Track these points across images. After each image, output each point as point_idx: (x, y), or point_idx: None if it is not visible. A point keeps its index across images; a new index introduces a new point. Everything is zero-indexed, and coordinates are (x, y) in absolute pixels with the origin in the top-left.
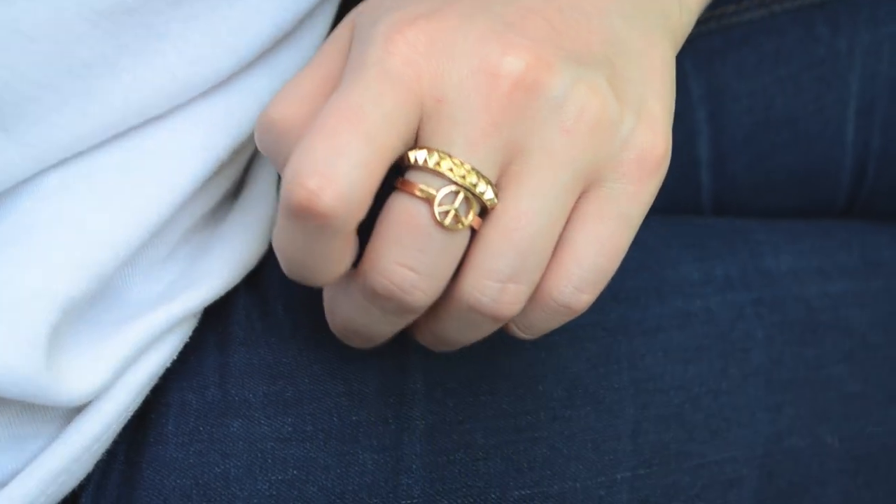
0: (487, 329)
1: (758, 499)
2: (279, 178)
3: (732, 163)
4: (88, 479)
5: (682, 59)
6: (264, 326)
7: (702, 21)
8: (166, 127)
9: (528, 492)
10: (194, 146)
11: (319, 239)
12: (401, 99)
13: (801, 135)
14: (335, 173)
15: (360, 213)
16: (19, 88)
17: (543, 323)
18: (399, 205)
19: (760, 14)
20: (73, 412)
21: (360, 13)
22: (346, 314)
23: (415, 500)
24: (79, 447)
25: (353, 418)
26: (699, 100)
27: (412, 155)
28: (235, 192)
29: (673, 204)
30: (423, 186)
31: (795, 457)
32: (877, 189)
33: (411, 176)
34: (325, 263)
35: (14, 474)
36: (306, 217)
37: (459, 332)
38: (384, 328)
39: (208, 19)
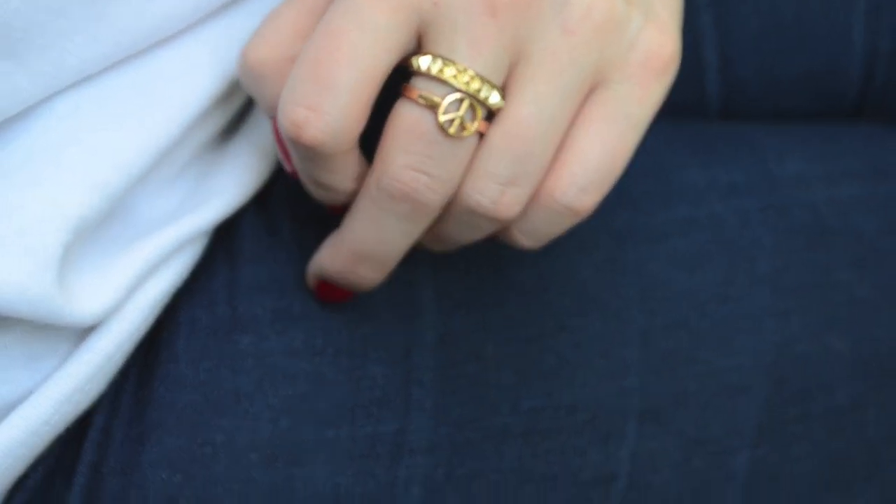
0: (487, 229)
1: (767, 405)
2: None
3: (739, 66)
4: (102, 398)
5: None
6: (271, 242)
7: None
8: (176, 48)
9: (539, 402)
10: (205, 66)
11: (316, 161)
12: (392, 12)
13: (808, 37)
14: (320, 104)
15: (353, 134)
16: (29, 15)
17: (547, 227)
18: (404, 112)
19: None
20: (87, 331)
21: None
22: (359, 232)
23: (426, 413)
24: (92, 366)
25: (362, 332)
26: (705, 4)
27: (415, 61)
28: (244, 111)
29: (679, 109)
30: (426, 94)
31: (804, 363)
32: (887, 90)
33: (416, 82)
34: (330, 178)
35: (28, 393)
36: (299, 147)
37: (460, 233)
38: (398, 240)
39: None
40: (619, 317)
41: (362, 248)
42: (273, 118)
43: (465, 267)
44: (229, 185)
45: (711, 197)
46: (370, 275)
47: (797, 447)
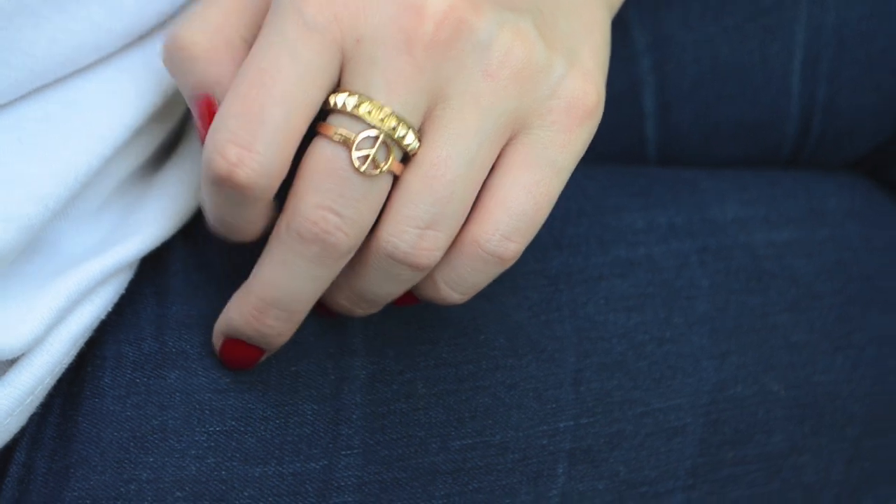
0: (407, 280)
1: (702, 447)
2: None
3: (678, 113)
4: (23, 432)
5: (626, 8)
6: (202, 278)
7: None
8: (93, 77)
9: (470, 441)
10: (123, 96)
11: (241, 204)
12: (318, 48)
13: (746, 85)
14: (252, 142)
15: (281, 175)
16: None
17: (472, 276)
18: (319, 149)
19: None
20: (6, 365)
21: None
22: (268, 276)
23: (355, 451)
24: (12, 400)
25: (293, 369)
26: (644, 49)
27: (332, 98)
28: (172, 143)
29: (617, 154)
30: (341, 130)
31: (741, 405)
32: (823, 139)
33: (332, 119)
34: (246, 222)
35: None
36: (227, 187)
37: (380, 285)
38: (307, 286)
39: None
40: (554, 358)
41: (271, 294)
42: (199, 105)
43: (392, 307)
44: (156, 218)
45: (650, 239)
46: (278, 325)
47: (733, 490)
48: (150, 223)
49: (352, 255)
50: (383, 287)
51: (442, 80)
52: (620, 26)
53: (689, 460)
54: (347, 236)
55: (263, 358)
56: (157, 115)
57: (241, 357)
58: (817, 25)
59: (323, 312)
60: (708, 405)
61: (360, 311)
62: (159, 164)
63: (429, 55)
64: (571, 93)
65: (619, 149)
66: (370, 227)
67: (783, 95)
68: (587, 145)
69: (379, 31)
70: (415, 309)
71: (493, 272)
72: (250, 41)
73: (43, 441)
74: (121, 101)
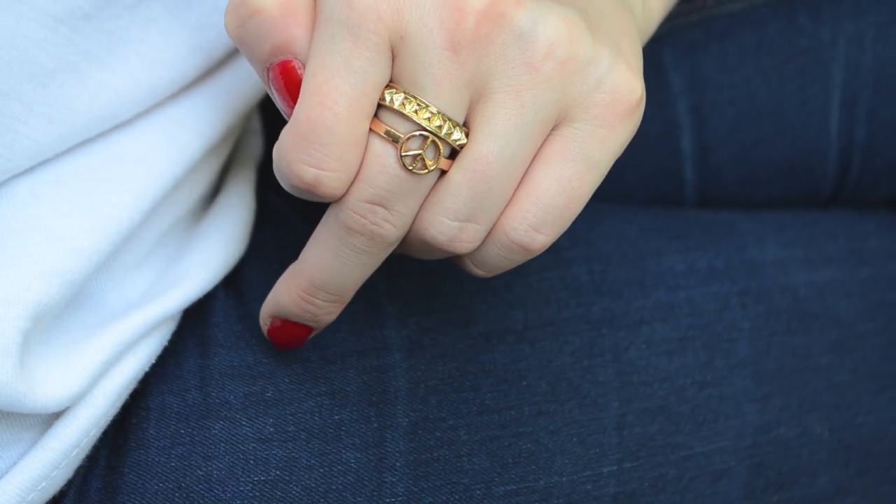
0: (441, 256)
1: (747, 490)
2: (257, 180)
3: (716, 155)
4: (69, 484)
5: (662, 51)
6: (244, 328)
7: (682, 13)
8: (134, 132)
9: (514, 487)
10: (163, 150)
11: (323, 199)
12: (370, 55)
13: (785, 127)
14: (326, 162)
15: (356, 171)
16: None
17: (498, 260)
18: (370, 145)
19: (741, 6)
20: (52, 418)
21: None
22: (317, 261)
23: (399, 498)
24: (58, 453)
25: (335, 417)
26: (681, 92)
27: (383, 93)
28: (212, 194)
29: (656, 197)
30: (389, 129)
31: (784, 447)
32: (862, 179)
33: (382, 115)
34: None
35: None
36: (309, 195)
37: (415, 254)
38: (355, 271)
39: (168, 22)
40: (597, 403)
41: (320, 277)
42: (278, 71)
43: (438, 352)
44: (198, 270)
45: (690, 282)
46: (327, 306)
47: None
48: (191, 275)
49: (398, 242)
50: (421, 256)
51: (485, 74)
52: (657, 69)
53: (734, 503)
54: (395, 228)
55: (311, 336)
56: (197, 168)
57: (291, 335)
58: (855, 66)
59: None
60: (751, 448)
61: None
62: (199, 215)
63: (471, 51)
64: (617, 87)
65: (657, 191)
66: (416, 216)
67: (822, 136)
68: (626, 143)
69: (421, 29)
70: (456, 356)
71: (518, 259)
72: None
73: (89, 493)
74: (161, 155)
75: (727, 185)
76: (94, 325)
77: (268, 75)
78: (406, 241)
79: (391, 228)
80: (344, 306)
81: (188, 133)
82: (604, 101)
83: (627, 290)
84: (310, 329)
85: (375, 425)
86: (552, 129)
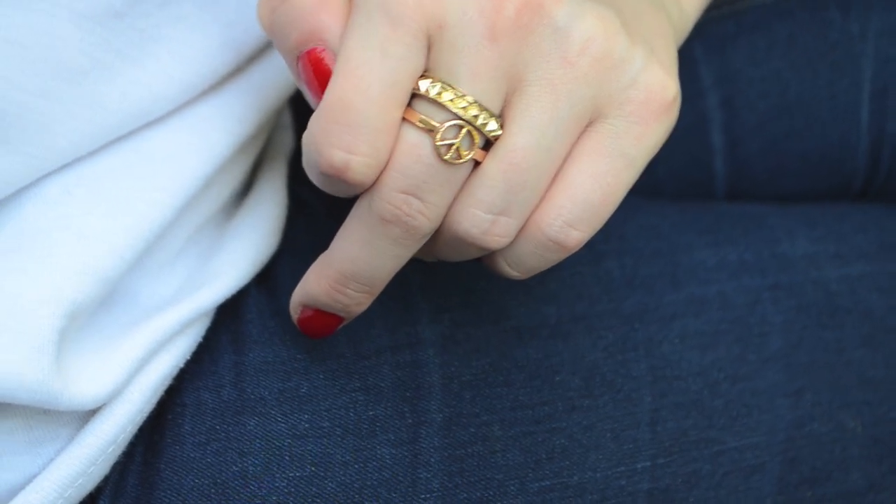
0: (474, 254)
1: (780, 485)
2: (288, 175)
3: (746, 148)
4: (106, 480)
5: (692, 45)
6: (277, 324)
7: (713, 6)
8: (166, 129)
9: (548, 483)
10: (195, 147)
11: (348, 191)
12: (407, 41)
13: (815, 119)
14: (356, 145)
15: (386, 160)
16: (17, 98)
17: (533, 259)
18: (403, 134)
19: None
20: (89, 415)
21: None
22: (348, 251)
23: (433, 494)
24: (95, 450)
25: (370, 413)
26: (711, 86)
27: (418, 83)
28: (244, 190)
29: (686, 190)
30: (424, 118)
31: (817, 442)
32: (892, 172)
33: (416, 105)
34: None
35: (31, 478)
36: (335, 181)
37: (448, 254)
38: (387, 262)
39: (198, 18)
40: (630, 398)
41: (351, 268)
42: (307, 59)
43: (472, 347)
44: (230, 266)
45: (721, 276)
46: (358, 296)
47: None
48: (224, 272)
49: (431, 234)
50: (452, 256)
51: (521, 65)
52: (687, 62)
53: (768, 499)
54: (429, 220)
55: (342, 326)
56: (228, 165)
57: (321, 325)
58: (885, 59)
59: None
60: (784, 443)
61: (427, 259)
62: (231, 211)
63: (510, 41)
64: (651, 85)
65: (687, 184)
66: (448, 207)
67: (852, 129)
68: (662, 142)
69: (461, 18)
70: (490, 351)
71: (554, 258)
72: None
73: (126, 489)
74: (192, 152)
75: (757, 178)
76: (128, 323)
77: (297, 65)
78: (439, 238)
79: (424, 220)
80: (375, 297)
81: (218, 130)
82: (638, 97)
83: (659, 285)
84: (340, 318)
85: (410, 421)
86: (589, 126)
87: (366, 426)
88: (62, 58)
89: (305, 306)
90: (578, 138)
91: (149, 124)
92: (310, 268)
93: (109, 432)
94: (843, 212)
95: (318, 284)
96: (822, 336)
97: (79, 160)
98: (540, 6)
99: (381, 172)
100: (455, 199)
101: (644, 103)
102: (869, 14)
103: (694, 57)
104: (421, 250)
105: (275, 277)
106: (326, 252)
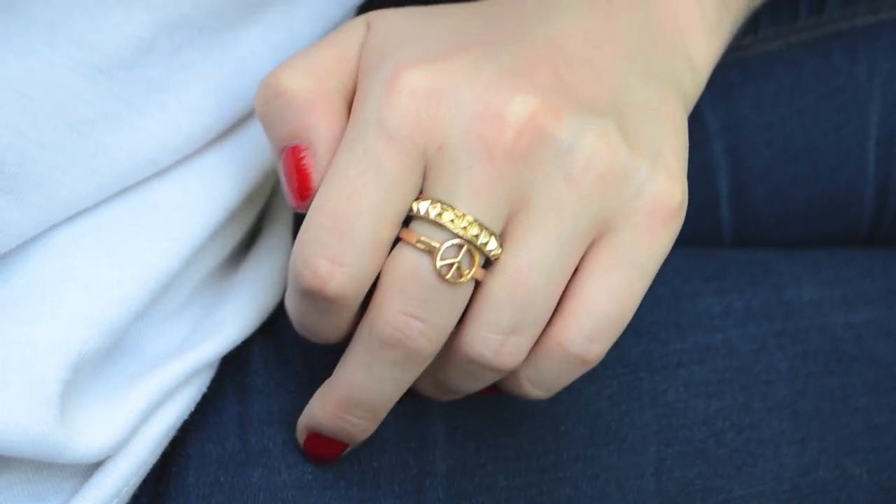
0: (490, 379)
1: None
2: (294, 226)
3: (752, 195)
4: None
5: None
6: (282, 375)
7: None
8: (173, 179)
9: None
10: (201, 198)
11: (328, 313)
12: (402, 159)
13: (821, 166)
14: (343, 256)
15: (369, 284)
16: (22, 148)
17: (555, 376)
18: (402, 256)
19: (777, 45)
20: (92, 468)
21: (374, 30)
22: (350, 377)
23: None
24: (98, 503)
25: (374, 464)
26: (717, 133)
27: (415, 206)
28: (249, 241)
29: (692, 237)
30: (424, 238)
31: (823, 490)
32: None
33: (414, 226)
34: (332, 328)
35: None
36: (317, 298)
37: (462, 382)
38: (389, 387)
39: (205, 67)
40: (635, 448)
41: (353, 395)
42: (287, 155)
43: (475, 398)
44: (236, 317)
45: (727, 323)
46: (361, 423)
47: None
48: (230, 323)
49: (434, 357)
50: (466, 383)
51: (524, 186)
52: (693, 109)
53: None
54: (430, 341)
55: (347, 451)
56: (235, 215)
57: (325, 451)
58: (892, 104)
59: (406, 395)
60: (790, 491)
61: (445, 398)
62: (237, 262)
63: (510, 163)
64: (657, 194)
65: (693, 231)
66: (452, 329)
67: (858, 174)
68: (670, 247)
69: (460, 140)
70: (494, 401)
71: (576, 373)
72: (346, 97)
73: None
74: (199, 202)
75: (763, 224)
76: (133, 374)
77: (280, 157)
78: (452, 368)
79: (425, 342)
80: (378, 424)
81: (227, 179)
82: (645, 208)
83: (664, 333)
84: (344, 445)
85: (414, 471)
86: (597, 240)
87: (370, 477)
88: (67, 109)
89: (311, 432)
90: (588, 251)
91: (156, 174)
92: (315, 394)
93: (113, 485)
94: (850, 257)
95: (321, 411)
96: (827, 383)
97: (85, 211)
98: (541, 129)
99: (382, 295)
100: (464, 323)
101: (651, 213)
102: (875, 59)
103: (700, 104)
104: (436, 386)
105: (280, 328)
106: (330, 378)
